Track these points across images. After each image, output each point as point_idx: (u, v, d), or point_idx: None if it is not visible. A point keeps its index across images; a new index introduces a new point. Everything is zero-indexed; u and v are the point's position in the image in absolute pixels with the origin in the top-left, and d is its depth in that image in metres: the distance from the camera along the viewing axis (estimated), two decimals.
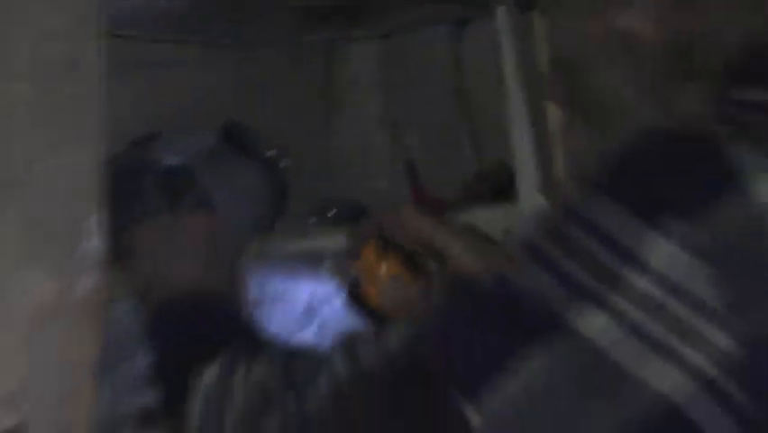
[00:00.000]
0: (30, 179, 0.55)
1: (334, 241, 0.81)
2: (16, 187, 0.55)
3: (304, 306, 0.95)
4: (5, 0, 0.56)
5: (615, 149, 0.49)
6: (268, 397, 0.59)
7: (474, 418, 0.48)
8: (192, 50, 0.86)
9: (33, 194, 0.56)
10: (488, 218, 0.76)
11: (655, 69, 0.54)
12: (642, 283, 0.45)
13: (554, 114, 0.75)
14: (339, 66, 0.95)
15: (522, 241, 0.50)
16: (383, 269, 0.74)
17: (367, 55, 0.94)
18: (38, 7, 0.56)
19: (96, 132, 0.57)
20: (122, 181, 0.72)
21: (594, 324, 0.45)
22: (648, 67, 0.54)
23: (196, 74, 0.88)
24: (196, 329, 0.70)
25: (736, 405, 0.45)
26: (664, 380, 0.44)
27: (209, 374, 0.63)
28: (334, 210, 0.90)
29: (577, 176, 0.50)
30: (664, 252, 0.45)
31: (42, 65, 0.56)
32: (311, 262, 0.90)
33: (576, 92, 0.57)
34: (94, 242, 0.57)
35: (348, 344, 0.58)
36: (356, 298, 0.76)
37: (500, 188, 0.87)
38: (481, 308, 0.50)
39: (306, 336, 0.90)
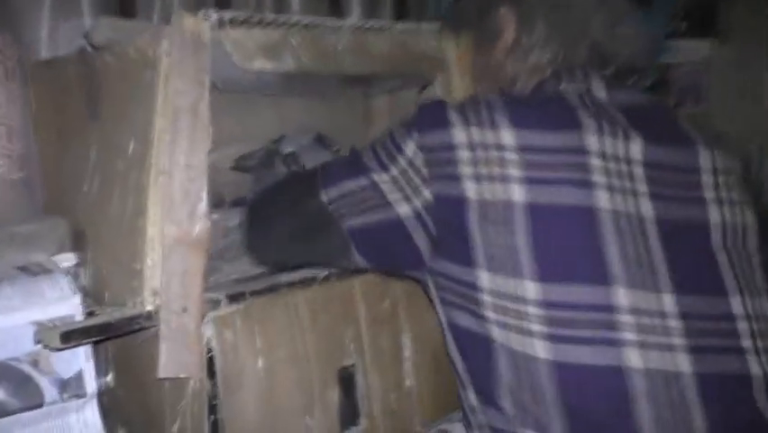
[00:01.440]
0: (171, 172, 0.76)
1: None
2: (164, 176, 0.76)
3: None
4: (152, 78, 0.77)
5: (417, 107, 0.77)
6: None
7: (323, 197, 0.79)
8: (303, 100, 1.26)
9: (172, 179, 0.76)
10: None
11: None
12: (402, 162, 0.74)
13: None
14: (369, 104, 1.35)
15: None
16: None
17: (381, 99, 1.32)
18: (173, 78, 0.76)
19: (206, 146, 0.77)
20: (263, 160, 1.12)
21: (382, 177, 0.75)
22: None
23: (303, 107, 1.27)
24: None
25: (428, 227, 0.73)
26: (400, 208, 0.74)
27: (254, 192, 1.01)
28: None
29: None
30: (411, 147, 0.74)
31: (175, 109, 0.76)
32: None
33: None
34: (203, 206, 0.78)
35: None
36: None
37: None
38: (342, 158, 0.86)
39: None
